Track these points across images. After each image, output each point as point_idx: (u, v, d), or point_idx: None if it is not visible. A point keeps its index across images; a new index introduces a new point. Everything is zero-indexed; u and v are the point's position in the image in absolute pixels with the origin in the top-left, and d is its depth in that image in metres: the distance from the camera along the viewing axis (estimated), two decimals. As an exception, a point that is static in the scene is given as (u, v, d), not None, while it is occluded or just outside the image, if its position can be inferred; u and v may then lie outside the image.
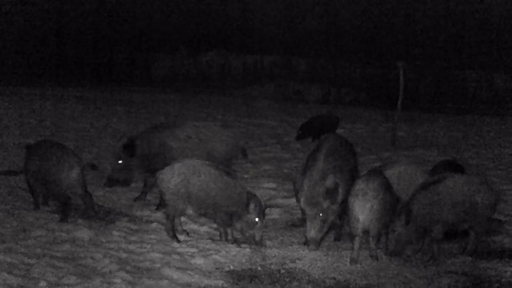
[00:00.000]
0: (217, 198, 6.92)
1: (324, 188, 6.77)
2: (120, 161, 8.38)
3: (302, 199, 6.90)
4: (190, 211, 7.14)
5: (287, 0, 28.37)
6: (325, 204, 6.78)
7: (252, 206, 6.85)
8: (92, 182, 9.25)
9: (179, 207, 7.03)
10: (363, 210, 6.53)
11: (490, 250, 7.20)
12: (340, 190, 6.84)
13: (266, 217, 7.17)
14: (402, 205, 6.77)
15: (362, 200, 6.54)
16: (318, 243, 6.87)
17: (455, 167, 8.25)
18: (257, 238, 6.94)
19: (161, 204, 7.98)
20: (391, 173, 7.21)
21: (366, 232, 6.66)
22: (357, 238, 6.61)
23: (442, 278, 6.30)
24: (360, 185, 6.66)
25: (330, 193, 6.76)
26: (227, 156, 8.48)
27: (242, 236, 7.06)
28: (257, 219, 6.90)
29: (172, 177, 6.98)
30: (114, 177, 8.47)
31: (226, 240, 7.09)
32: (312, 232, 6.83)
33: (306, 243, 6.96)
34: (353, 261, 6.62)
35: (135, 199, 8.61)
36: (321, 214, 6.79)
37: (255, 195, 6.96)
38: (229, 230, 7.10)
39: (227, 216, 6.96)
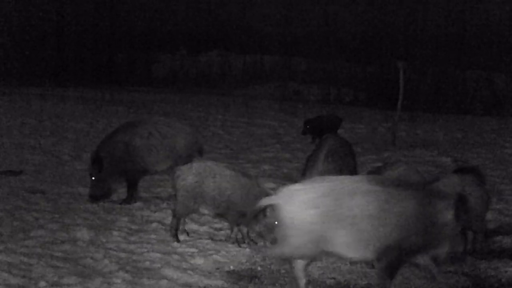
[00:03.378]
0: (232, 199, 6.93)
1: None
2: (93, 178, 8.40)
3: None
4: (205, 210, 7.14)
5: (287, 0, 28.36)
6: None
7: (269, 209, 6.83)
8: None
9: (190, 206, 7.04)
10: None
11: (490, 250, 7.20)
12: None
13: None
14: None
15: None
16: None
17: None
18: None
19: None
20: (390, 173, 7.21)
21: None
22: None
23: (442, 278, 6.30)
24: None
25: None
26: (188, 151, 8.53)
27: (262, 239, 7.03)
28: (276, 222, 6.87)
29: (188, 176, 7.00)
30: (94, 193, 8.46)
31: (236, 240, 7.08)
32: None
33: None
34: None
35: (121, 203, 8.55)
36: None
37: None
38: (235, 229, 7.11)
39: (241, 216, 6.97)
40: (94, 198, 8.45)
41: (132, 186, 8.62)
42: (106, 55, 28.10)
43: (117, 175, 8.52)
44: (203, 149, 8.97)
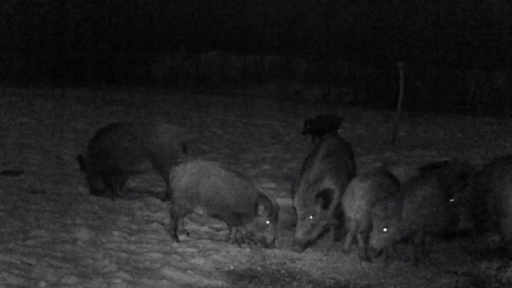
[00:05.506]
0: (226, 199, 6.93)
1: (317, 192, 6.78)
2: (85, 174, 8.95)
3: (295, 199, 6.92)
4: (200, 211, 7.15)
5: (287, 0, 28.34)
6: (317, 208, 6.79)
7: (261, 208, 6.84)
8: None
9: (186, 206, 7.05)
10: (352, 208, 6.65)
11: (490, 250, 7.20)
12: (335, 194, 6.86)
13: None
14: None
15: (351, 199, 6.66)
16: (304, 245, 6.86)
17: None
18: (268, 240, 6.91)
19: (167, 196, 8.19)
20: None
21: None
22: (349, 233, 6.76)
23: (442, 278, 6.31)
24: (351, 184, 6.78)
25: (323, 198, 6.77)
26: (164, 150, 8.69)
27: (253, 238, 7.05)
28: (267, 222, 6.88)
29: (183, 176, 7.01)
30: (90, 188, 8.94)
31: (236, 240, 7.10)
32: (300, 233, 6.84)
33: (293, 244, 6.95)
34: (345, 252, 6.76)
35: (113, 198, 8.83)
36: (311, 217, 6.80)
37: (266, 198, 6.93)
38: (233, 230, 7.11)
39: (236, 217, 6.97)
40: (92, 192, 8.88)
41: (106, 183, 8.92)
42: (106, 55, 28.09)
43: (99, 173, 8.89)
44: (186, 147, 9.03)
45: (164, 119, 16.08)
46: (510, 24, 25.46)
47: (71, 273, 5.89)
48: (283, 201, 8.83)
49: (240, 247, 6.97)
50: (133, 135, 8.79)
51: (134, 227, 7.53)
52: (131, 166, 8.85)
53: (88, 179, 8.92)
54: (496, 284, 6.25)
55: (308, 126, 14.23)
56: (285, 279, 6.19)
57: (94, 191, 8.85)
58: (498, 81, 24.75)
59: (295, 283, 6.11)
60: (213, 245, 7.00)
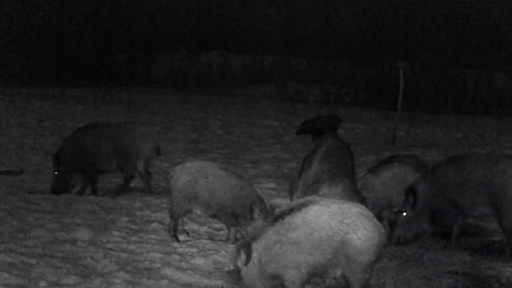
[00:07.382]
0: (223, 200, 6.93)
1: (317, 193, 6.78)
2: (55, 172, 9.05)
3: (294, 200, 6.91)
4: (198, 211, 7.15)
5: (287, 0, 28.36)
6: None
7: (256, 211, 6.82)
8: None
9: (185, 206, 7.05)
10: None
11: (490, 250, 7.21)
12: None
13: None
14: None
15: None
16: None
17: None
18: None
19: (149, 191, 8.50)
20: (386, 174, 7.21)
21: None
22: None
23: (442, 278, 6.31)
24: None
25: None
26: (137, 151, 8.98)
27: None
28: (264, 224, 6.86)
29: (180, 176, 7.01)
30: (54, 187, 9.05)
31: (236, 240, 7.09)
32: None
33: None
34: None
35: (89, 194, 9.07)
36: None
37: (261, 200, 6.91)
38: (232, 230, 7.10)
39: (233, 217, 6.96)
40: (54, 191, 8.99)
41: (90, 181, 9.16)
42: (106, 55, 28.11)
43: (74, 171, 9.10)
44: (160, 150, 9.25)
45: (162, 119, 16.11)
46: (510, 24, 25.47)
47: (71, 273, 5.89)
48: (283, 201, 8.85)
49: (240, 247, 6.97)
50: (109, 135, 9.06)
51: (134, 227, 7.53)
52: (103, 165, 9.12)
53: (58, 177, 9.00)
54: (496, 284, 6.25)
55: (304, 127, 14.25)
56: (285, 279, 6.18)
57: (55, 190, 8.95)
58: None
59: (295, 283, 6.09)
60: (213, 245, 7.00)
